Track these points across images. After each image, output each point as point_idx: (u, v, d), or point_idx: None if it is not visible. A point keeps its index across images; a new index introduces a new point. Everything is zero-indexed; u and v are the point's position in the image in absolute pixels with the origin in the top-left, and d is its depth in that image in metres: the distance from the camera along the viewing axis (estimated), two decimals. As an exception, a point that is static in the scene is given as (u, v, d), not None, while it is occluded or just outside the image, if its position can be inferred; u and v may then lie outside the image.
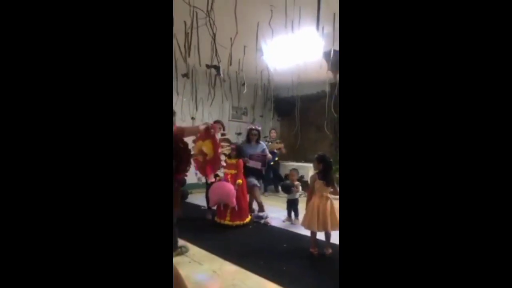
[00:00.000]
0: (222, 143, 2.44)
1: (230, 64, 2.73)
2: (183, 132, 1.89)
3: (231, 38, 2.67)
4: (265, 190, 5.42)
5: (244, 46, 3.35)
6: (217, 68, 2.01)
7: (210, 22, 1.75)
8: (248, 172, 3.83)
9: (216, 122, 3.47)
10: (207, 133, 2.10)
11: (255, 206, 3.90)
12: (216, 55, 1.94)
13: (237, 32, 2.12)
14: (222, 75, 2.03)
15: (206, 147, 2.16)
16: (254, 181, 3.87)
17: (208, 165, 2.24)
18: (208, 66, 2.10)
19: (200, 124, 2.08)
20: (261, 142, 4.06)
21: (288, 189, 3.66)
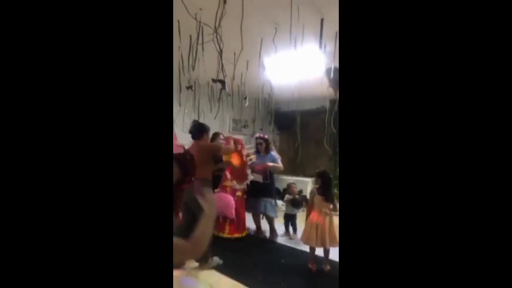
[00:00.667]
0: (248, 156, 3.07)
1: (233, 78, 2.78)
2: (219, 150, 2.49)
3: (234, 53, 2.73)
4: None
5: (247, 61, 3.41)
6: (222, 82, 2.05)
7: (217, 38, 1.79)
8: (255, 191, 3.42)
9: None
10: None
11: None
12: (222, 69, 1.98)
13: (242, 48, 2.17)
14: (227, 89, 2.07)
15: (234, 159, 2.74)
16: (265, 204, 3.37)
17: (236, 174, 2.97)
18: (214, 81, 2.14)
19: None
20: (272, 152, 3.60)
21: (299, 204, 3.54)
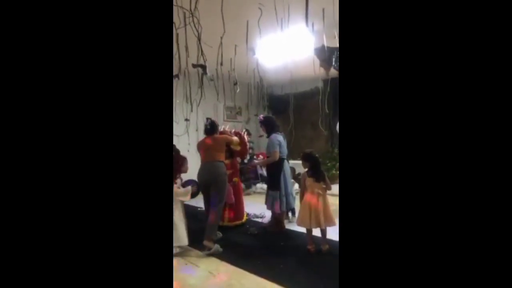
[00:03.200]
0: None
1: (221, 64, 2.72)
2: (232, 142, 3.14)
3: (221, 38, 2.67)
4: (249, 187, 5.32)
5: (235, 45, 3.34)
6: (203, 67, 2.00)
7: (194, 22, 1.73)
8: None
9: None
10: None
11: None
12: (202, 54, 1.93)
13: (224, 31, 2.11)
14: (208, 74, 2.02)
15: (234, 144, 3.24)
16: (272, 200, 3.14)
17: (239, 153, 3.55)
18: (194, 66, 2.09)
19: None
20: (273, 135, 3.19)
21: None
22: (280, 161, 3.19)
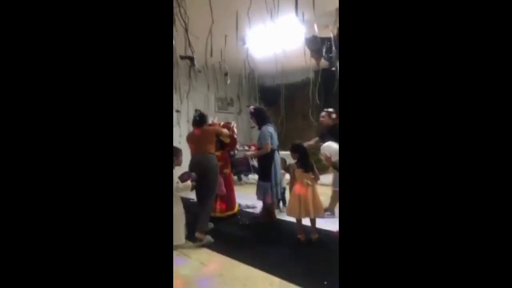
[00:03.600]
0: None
1: (211, 55, 2.69)
2: (222, 134, 3.10)
3: (211, 29, 2.63)
4: (240, 179, 5.36)
5: (226, 36, 3.30)
6: (191, 59, 1.97)
7: (180, 12, 1.71)
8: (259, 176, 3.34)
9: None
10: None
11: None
12: (189, 45, 1.90)
13: (213, 21, 2.08)
14: (196, 65, 2.00)
15: (223, 136, 3.20)
16: (263, 190, 3.14)
17: (228, 145, 3.51)
18: (182, 57, 2.06)
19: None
20: (264, 127, 3.19)
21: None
22: (272, 152, 3.20)
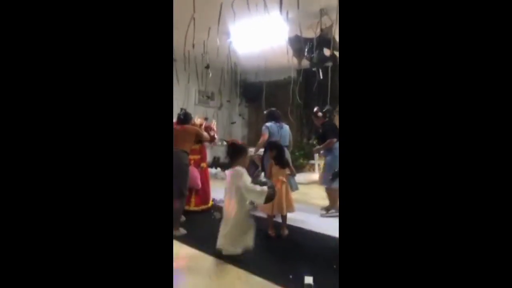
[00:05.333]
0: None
1: (193, 47, 2.66)
2: (202, 136, 3.03)
3: (194, 19, 2.59)
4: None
5: (209, 28, 3.27)
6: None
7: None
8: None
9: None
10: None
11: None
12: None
13: (194, 11, 2.05)
14: (175, 59, 1.97)
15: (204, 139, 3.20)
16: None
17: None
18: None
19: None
20: (270, 122, 3.33)
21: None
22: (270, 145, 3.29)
